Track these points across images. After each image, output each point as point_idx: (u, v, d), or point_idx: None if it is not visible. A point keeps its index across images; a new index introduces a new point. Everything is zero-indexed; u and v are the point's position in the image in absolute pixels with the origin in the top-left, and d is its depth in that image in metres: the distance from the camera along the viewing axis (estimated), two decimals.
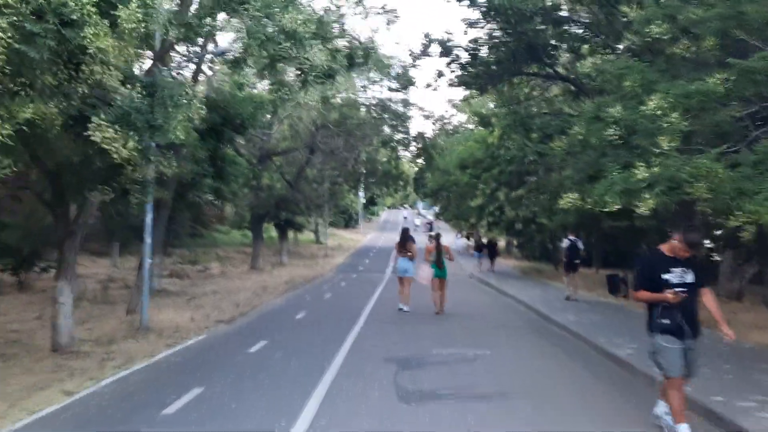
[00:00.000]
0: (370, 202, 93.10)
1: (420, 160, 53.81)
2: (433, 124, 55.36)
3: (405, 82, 18.12)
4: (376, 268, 33.88)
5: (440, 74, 17.96)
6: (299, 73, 9.68)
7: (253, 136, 30.00)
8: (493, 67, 16.39)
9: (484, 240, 29.16)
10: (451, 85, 18.03)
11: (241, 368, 8.90)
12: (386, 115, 28.32)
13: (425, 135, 30.85)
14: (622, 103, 7.74)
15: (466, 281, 26.29)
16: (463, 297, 19.15)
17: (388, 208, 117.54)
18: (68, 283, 11.03)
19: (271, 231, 48.66)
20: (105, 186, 8.07)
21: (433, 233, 16.25)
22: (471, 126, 45.64)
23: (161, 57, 11.49)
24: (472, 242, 39.45)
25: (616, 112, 7.56)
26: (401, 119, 28.59)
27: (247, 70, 11.02)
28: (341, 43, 13.40)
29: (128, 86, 6.71)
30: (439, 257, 14.37)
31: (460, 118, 52.52)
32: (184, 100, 7.15)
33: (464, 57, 16.82)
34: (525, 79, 18.31)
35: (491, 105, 29.84)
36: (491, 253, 28.20)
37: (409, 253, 14.84)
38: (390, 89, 25.76)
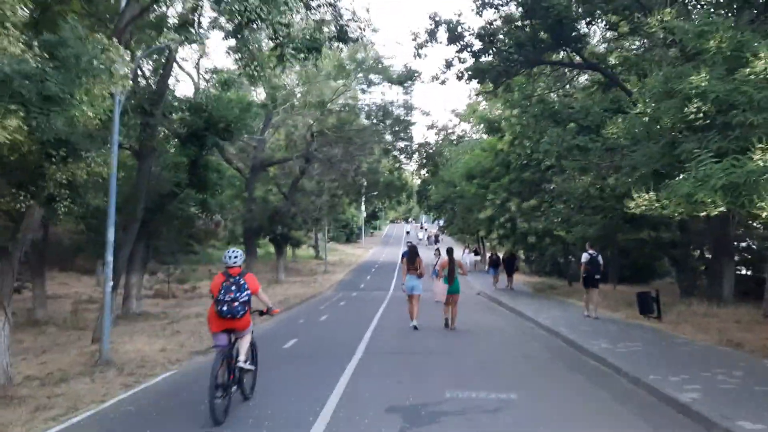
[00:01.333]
0: (373, 216, 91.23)
1: (424, 172, 52.08)
2: (437, 134, 53.40)
3: (407, 74, 16.33)
4: (379, 286, 31.93)
5: (449, 64, 16.04)
6: (275, 45, 7.78)
7: (246, 145, 28.22)
8: (512, 54, 14.30)
9: (500, 254, 27.12)
10: (460, 78, 16.07)
11: (203, 426, 6.96)
12: (388, 121, 26.45)
13: (429, 144, 28.89)
14: (708, 70, 5.81)
15: (474, 299, 24.31)
16: (474, 319, 17.19)
17: (392, 222, 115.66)
18: (3, 313, 9.14)
19: (269, 247, 46.88)
20: (20, 191, 6.14)
21: (437, 246, 15.77)
22: (476, 135, 43.85)
23: (120, 34, 9.65)
24: (479, 258, 37.40)
25: (702, 80, 5.63)
26: (403, 125, 26.72)
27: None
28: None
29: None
30: (452, 272, 14.10)
31: (464, 127, 50.93)
32: (101, 65, 5.23)
33: (477, 44, 14.84)
34: (547, 70, 16.37)
35: (498, 111, 28.04)
36: (509, 269, 25.82)
37: (418, 271, 14.53)
38: (391, 81, 23.85)
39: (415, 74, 16.11)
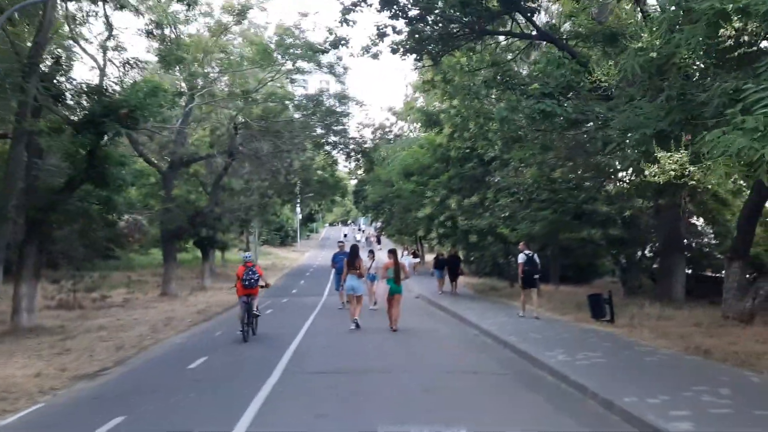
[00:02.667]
0: (309, 218, 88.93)
1: (359, 170, 50.38)
2: (373, 133, 51.75)
3: (334, 42, 14.53)
4: (312, 291, 29.95)
5: (382, 34, 14.21)
6: None
7: (168, 142, 25.79)
8: (454, 19, 12.61)
9: (443, 255, 25.25)
10: (395, 51, 14.27)
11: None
12: (319, 113, 24.47)
13: (363, 137, 27.12)
14: None
15: (414, 303, 22.70)
16: (414, 326, 15.56)
17: (330, 224, 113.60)
18: None
19: (197, 251, 44.23)
20: None
21: (370, 248, 15.89)
22: (413, 134, 42.47)
23: None
24: (418, 260, 35.80)
25: None
26: (336, 117, 24.86)
27: None
28: None
29: None
30: (396, 273, 14.07)
31: (402, 125, 49.50)
32: None
33: (414, 11, 13.02)
34: (493, 43, 14.83)
35: (437, 104, 26.62)
36: (453, 271, 23.55)
37: (358, 271, 14.78)
38: (320, 65, 21.87)
39: (342, 42, 14.28)
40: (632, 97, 6.65)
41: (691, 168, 4.59)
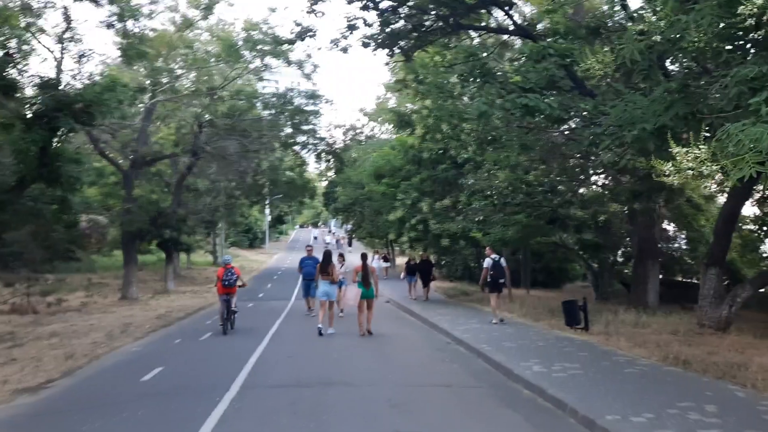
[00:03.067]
0: (279, 220, 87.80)
1: (330, 173, 49.67)
2: (344, 134, 51.15)
3: (300, 33, 13.84)
4: (279, 295, 29.19)
5: (352, 26, 13.53)
6: None
7: (130, 140, 24.79)
8: (428, 12, 12.04)
9: (415, 260, 24.23)
10: (366, 45, 13.62)
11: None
12: (287, 111, 23.69)
13: (332, 137, 26.34)
14: None
15: (384, 309, 22.13)
16: (384, 333, 15.00)
17: (300, 226, 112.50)
18: None
19: (162, 252, 43.03)
20: None
21: (340, 252, 16.08)
22: (385, 135, 41.99)
23: None
24: (389, 264, 35.18)
25: None
26: (305, 116, 24.12)
27: None
28: None
29: None
30: (366, 277, 13.94)
31: (373, 125, 49.01)
32: None
33: (385, 2, 12.41)
34: (466, 38, 14.33)
35: (410, 105, 26.12)
36: (425, 276, 22.67)
37: (331, 276, 14.50)
38: (289, 62, 21.04)
39: (309, 33, 13.62)
40: (619, 92, 6.18)
41: (713, 166, 4.07)
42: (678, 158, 4.18)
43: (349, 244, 65.24)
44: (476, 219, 16.75)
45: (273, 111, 23.80)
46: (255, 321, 18.48)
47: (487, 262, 15.79)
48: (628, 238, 18.15)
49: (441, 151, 20.59)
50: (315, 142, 25.80)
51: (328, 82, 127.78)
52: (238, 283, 15.57)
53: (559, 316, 16.33)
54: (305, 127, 24.69)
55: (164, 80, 21.56)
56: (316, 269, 15.40)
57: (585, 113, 7.43)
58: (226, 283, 15.23)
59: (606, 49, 6.12)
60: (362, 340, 13.81)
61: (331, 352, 12.08)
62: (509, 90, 8.38)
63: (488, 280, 15.74)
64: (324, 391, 8.62)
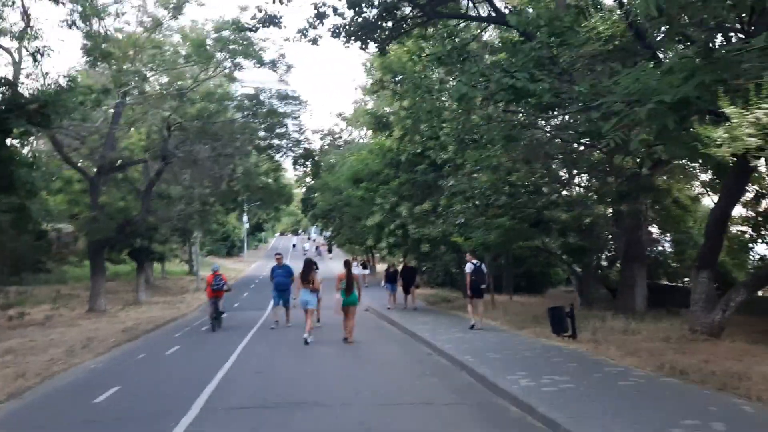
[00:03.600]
0: (257, 228, 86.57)
1: (308, 179, 48.76)
2: (322, 139, 50.28)
3: (266, 20, 12.98)
4: (255, 305, 28.18)
5: (321, 15, 12.71)
6: None
7: (99, 147, 23.76)
8: (402, 2, 11.30)
9: (395, 267, 23.44)
10: (336, 35, 12.81)
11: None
12: (260, 113, 22.79)
13: (310, 142, 25.45)
14: None
15: (363, 317, 21.32)
16: (361, 343, 14.27)
17: (281, 234, 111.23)
18: None
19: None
20: None
21: (324, 257, 15.29)
22: (363, 140, 41.23)
23: None
24: (368, 271, 34.34)
25: None
26: (278, 118, 23.26)
27: None
28: None
29: None
30: (349, 285, 13.93)
31: (351, 132, 48.21)
32: None
33: None
34: (444, 29, 13.58)
35: (387, 109, 25.42)
36: (408, 284, 21.40)
37: (311, 285, 14.41)
38: (261, 62, 20.08)
39: (274, 20, 12.82)
40: (615, 71, 5.49)
41: None
42: (733, 121, 3.46)
43: (329, 251, 64.31)
44: (457, 222, 16.02)
45: (245, 113, 22.87)
46: (227, 332, 17.58)
47: (468, 267, 15.53)
48: (613, 242, 17.56)
49: (420, 152, 19.88)
50: (290, 144, 24.89)
51: (305, 86, 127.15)
52: (225, 287, 18.35)
53: (545, 323, 15.66)
54: (280, 130, 23.86)
55: (131, 82, 20.61)
56: (293, 278, 16.51)
57: (580, 97, 6.79)
58: (215, 287, 17.93)
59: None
60: (337, 351, 13.05)
61: (304, 367, 11.27)
62: (491, 74, 7.74)
63: (470, 286, 15.47)
64: (291, 413, 7.82)
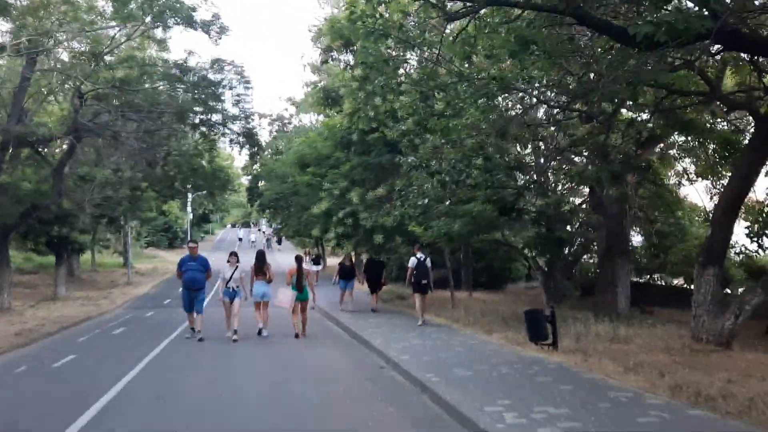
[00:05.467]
0: (203, 218, 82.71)
1: (255, 167, 45.81)
2: (270, 124, 47.31)
3: None
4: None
5: None
6: None
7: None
8: None
9: (351, 261, 19.58)
10: None
11: None
12: (188, 82, 19.82)
13: (247, 114, 22.50)
14: None
15: (309, 319, 18.86)
16: (299, 352, 11.81)
17: (232, 226, 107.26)
18: None
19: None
20: None
21: (233, 250, 15.28)
22: (313, 124, 38.57)
23: None
24: (320, 266, 31.52)
25: None
26: (213, 89, 20.35)
27: None
28: None
29: None
30: (300, 280, 13.72)
31: (302, 118, 45.49)
32: None
33: None
34: None
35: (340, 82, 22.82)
36: (375, 281, 18.32)
37: (267, 276, 13.98)
38: (191, 23, 17.14)
39: None
40: None
41: None
42: None
43: (279, 243, 61.34)
44: (419, 203, 13.54)
45: (173, 83, 19.82)
46: (141, 337, 14.83)
47: (411, 261, 15.04)
48: (592, 233, 15.50)
49: (374, 129, 17.39)
50: (226, 120, 21.92)
51: (251, 69, 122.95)
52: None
53: (516, 326, 13.57)
54: (214, 104, 20.95)
55: (40, 45, 17.44)
56: (209, 274, 14.16)
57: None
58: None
59: None
60: (269, 364, 10.57)
61: (221, 388, 8.73)
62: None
63: (412, 281, 15.10)
64: None
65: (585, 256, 19.36)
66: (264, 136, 47.46)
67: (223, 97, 20.76)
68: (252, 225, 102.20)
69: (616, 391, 7.57)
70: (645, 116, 11.71)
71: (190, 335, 14.07)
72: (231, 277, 13.67)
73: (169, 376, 9.87)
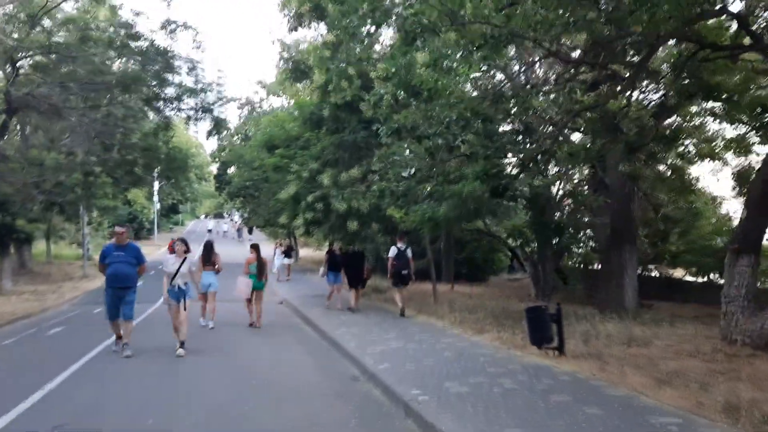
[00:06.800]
0: (172, 209, 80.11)
1: (224, 153, 43.65)
2: (239, 108, 45.01)
3: None
4: (147, 296, 23.14)
5: None
6: None
7: None
8: None
9: (340, 249, 16.86)
10: None
11: None
12: (132, 50, 17.52)
13: (205, 86, 20.36)
14: None
15: (274, 313, 17.01)
16: (257, 357, 9.94)
17: (205, 216, 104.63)
18: None
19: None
20: None
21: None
22: (279, 105, 36.50)
23: None
24: (292, 259, 29.44)
25: None
26: (167, 58, 18.17)
27: None
28: None
29: None
30: (260, 269, 13.54)
31: (272, 105, 43.35)
32: None
33: None
34: None
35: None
36: (356, 276, 15.76)
37: (216, 267, 13.59)
38: None
39: None
40: None
41: None
42: None
43: (250, 233, 59.25)
44: (403, 176, 11.54)
45: (119, 51, 17.58)
46: (80, 336, 12.83)
47: (392, 251, 14.41)
48: (595, 218, 13.83)
49: (347, 103, 15.41)
50: (181, 94, 19.75)
51: (222, 52, 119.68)
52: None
53: (508, 323, 11.92)
54: (168, 75, 18.79)
55: None
56: (142, 268, 10.57)
57: None
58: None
59: None
60: (214, 379, 8.64)
61: (148, 410, 6.83)
62: None
63: (392, 272, 14.45)
64: None
65: (580, 246, 17.69)
66: (233, 121, 45.28)
67: (177, 68, 18.56)
68: (225, 215, 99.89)
69: (658, 416, 5.85)
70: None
71: (117, 347, 10.61)
72: (177, 272, 10.14)
73: (92, 387, 7.92)
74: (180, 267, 10.21)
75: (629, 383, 7.12)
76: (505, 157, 10.28)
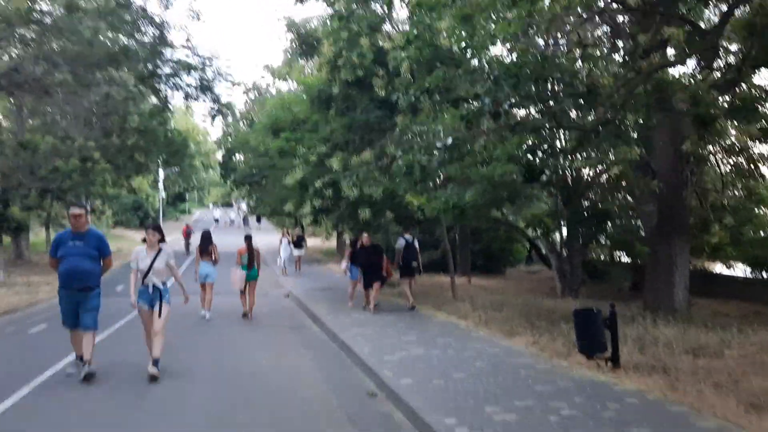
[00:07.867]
0: (179, 197, 79.01)
1: (229, 138, 42.31)
2: (245, 93, 43.57)
3: None
4: (125, 301, 21.87)
5: None
6: None
7: None
8: None
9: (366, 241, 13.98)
10: None
11: None
12: (122, 18, 16.16)
13: (206, 65, 18.96)
14: None
15: (279, 307, 15.73)
16: (258, 363, 8.53)
17: (214, 205, 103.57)
18: None
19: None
20: None
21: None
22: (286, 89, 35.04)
23: None
24: (302, 251, 27.77)
25: None
26: (159, 30, 16.76)
27: None
28: None
29: None
30: (251, 259, 13.50)
31: (279, 90, 41.89)
32: None
33: None
34: None
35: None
36: (373, 272, 13.55)
37: (213, 257, 13.60)
38: None
39: None
40: None
41: None
42: None
43: (258, 221, 58.08)
44: (438, 146, 9.86)
45: (109, 18, 16.20)
46: (60, 338, 11.48)
47: (400, 243, 14.15)
48: (640, 205, 12.33)
49: (360, 79, 13.89)
50: (178, 69, 18.33)
51: (228, 37, 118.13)
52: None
53: (541, 325, 10.50)
54: (163, 49, 17.39)
55: None
56: (107, 262, 7.72)
57: None
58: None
59: None
60: (202, 394, 7.24)
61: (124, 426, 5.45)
62: None
63: (401, 264, 14.06)
64: None
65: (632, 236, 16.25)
66: (240, 107, 43.96)
67: (172, 43, 17.13)
68: (234, 204, 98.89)
69: None
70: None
71: (73, 369, 8.06)
72: (150, 268, 7.90)
73: (55, 408, 6.56)
74: (153, 262, 7.92)
75: (716, 409, 5.69)
76: (560, 128, 8.82)
